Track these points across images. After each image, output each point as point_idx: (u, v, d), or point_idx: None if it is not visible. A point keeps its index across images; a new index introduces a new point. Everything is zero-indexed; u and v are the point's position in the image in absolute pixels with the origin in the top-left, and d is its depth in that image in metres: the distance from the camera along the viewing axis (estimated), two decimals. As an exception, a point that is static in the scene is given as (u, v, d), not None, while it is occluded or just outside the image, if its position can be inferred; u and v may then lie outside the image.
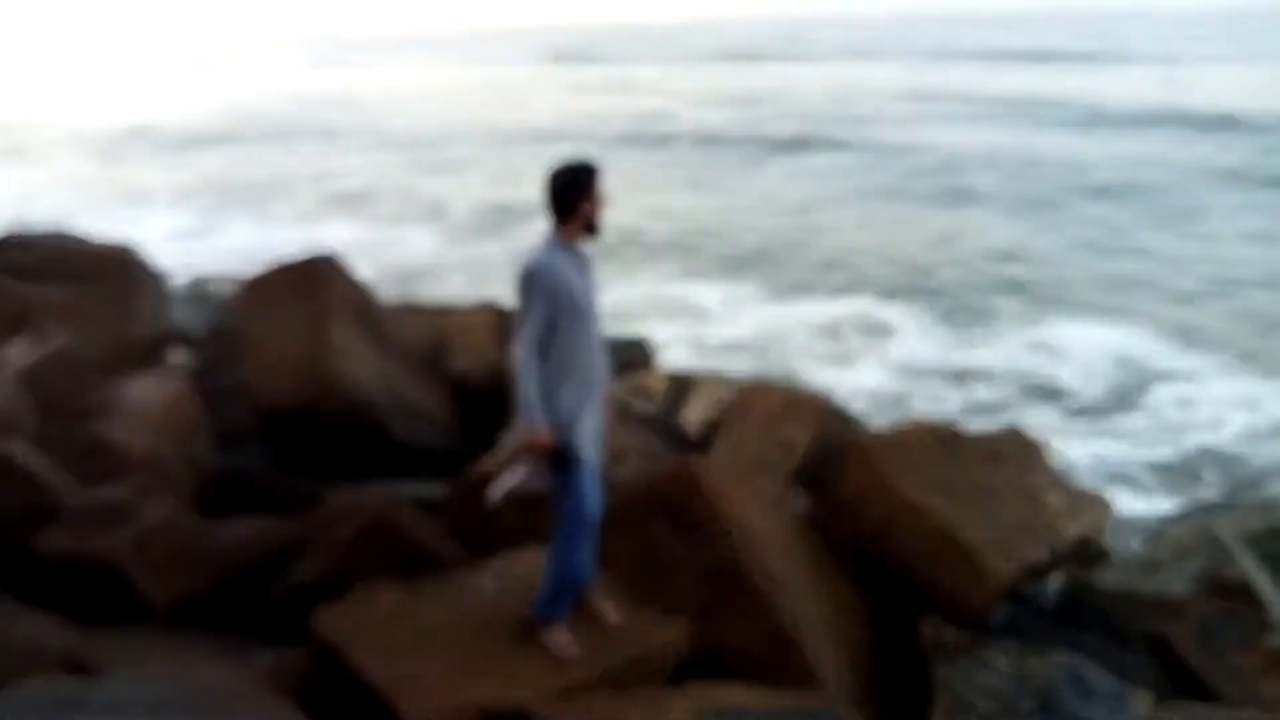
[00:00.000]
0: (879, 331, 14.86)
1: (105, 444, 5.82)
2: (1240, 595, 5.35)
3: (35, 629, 4.19)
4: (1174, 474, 10.20)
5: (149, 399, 6.63)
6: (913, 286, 16.97)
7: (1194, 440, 10.90)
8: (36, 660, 3.92)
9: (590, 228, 4.15)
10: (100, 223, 21.86)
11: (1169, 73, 52.52)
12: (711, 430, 7.22)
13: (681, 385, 8.79)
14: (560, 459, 4.09)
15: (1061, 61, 62.68)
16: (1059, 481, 5.51)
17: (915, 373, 13.20)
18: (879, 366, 13.39)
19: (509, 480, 4.25)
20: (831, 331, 14.89)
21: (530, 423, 4.00)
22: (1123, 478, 10.03)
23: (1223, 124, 32.61)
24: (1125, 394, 12.23)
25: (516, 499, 4.40)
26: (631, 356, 10.25)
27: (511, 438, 4.19)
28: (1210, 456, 10.52)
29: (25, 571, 4.76)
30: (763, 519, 5.06)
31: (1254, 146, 28.69)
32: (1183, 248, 19.14)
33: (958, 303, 16.08)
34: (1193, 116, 34.36)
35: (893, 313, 15.54)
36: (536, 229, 4.19)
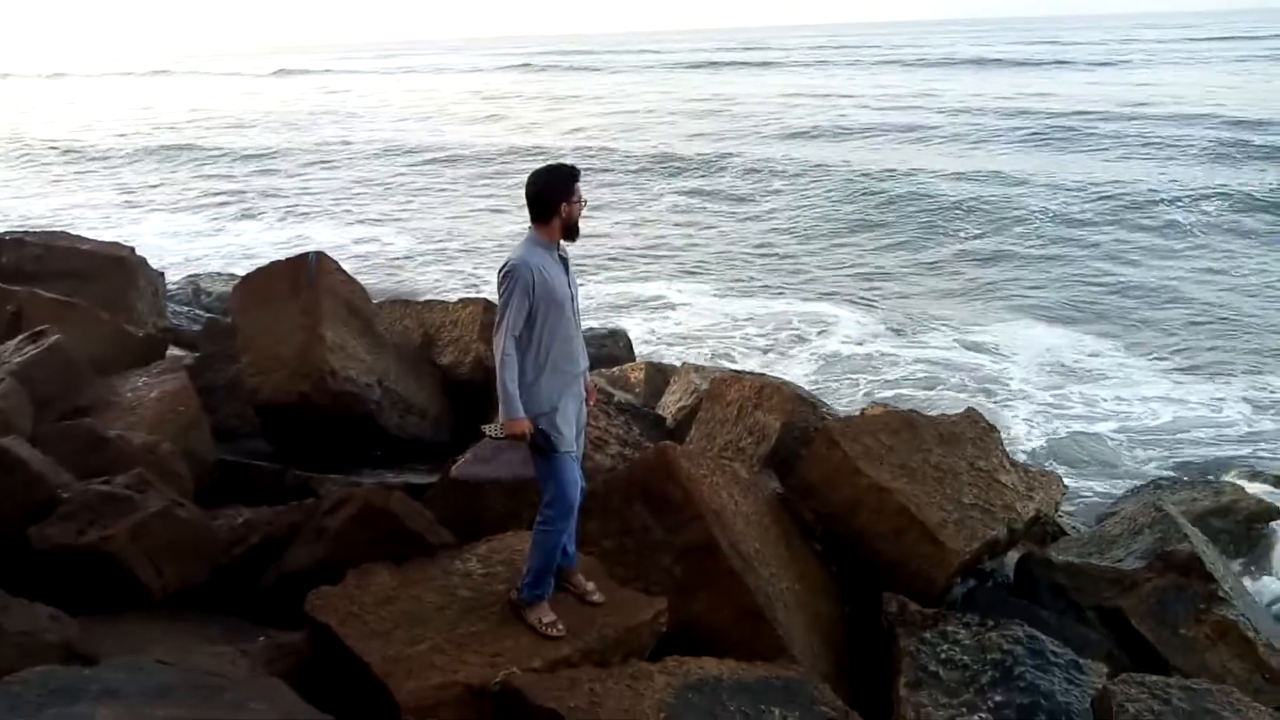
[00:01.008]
0: (821, 326, 15.25)
1: (102, 438, 5.82)
2: (1190, 570, 5.54)
3: (32, 620, 4.18)
4: (1104, 459, 10.50)
5: (146, 394, 6.70)
6: (862, 291, 17.39)
7: (1116, 428, 11.22)
8: (34, 651, 3.93)
9: (569, 230, 4.34)
10: (95, 225, 22.15)
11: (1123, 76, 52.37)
12: (688, 417, 7.42)
13: (660, 375, 9.00)
14: (540, 446, 4.29)
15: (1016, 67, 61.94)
16: (1014, 462, 5.72)
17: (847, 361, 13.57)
18: (813, 359, 13.75)
19: (474, 463, 4.42)
20: (778, 326, 15.29)
21: (510, 413, 4.18)
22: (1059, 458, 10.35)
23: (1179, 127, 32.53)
24: (1061, 386, 12.50)
25: (499, 485, 4.58)
26: (612, 348, 10.48)
27: (492, 428, 4.36)
28: (1137, 442, 10.84)
29: (22, 564, 4.76)
30: (736, 501, 5.25)
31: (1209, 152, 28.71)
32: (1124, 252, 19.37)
33: (902, 305, 16.46)
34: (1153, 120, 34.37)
35: (839, 312, 15.97)
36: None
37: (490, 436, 4.34)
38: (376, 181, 30.58)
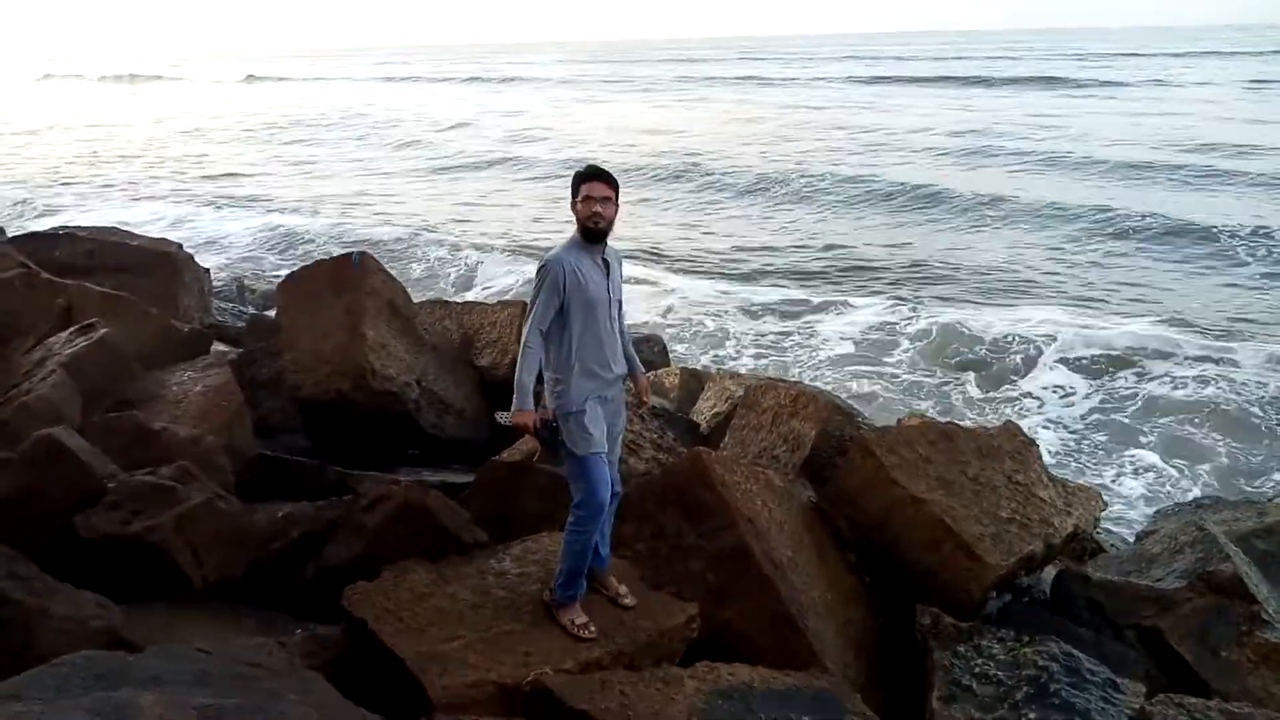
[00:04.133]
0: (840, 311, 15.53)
1: (148, 431, 5.92)
2: (1232, 591, 5.42)
3: (77, 606, 4.27)
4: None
5: (191, 388, 6.80)
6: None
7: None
8: (78, 636, 4.01)
9: (583, 231, 4.30)
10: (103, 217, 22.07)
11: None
12: (722, 424, 7.39)
13: (694, 380, 9.00)
14: (550, 442, 4.31)
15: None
16: (1053, 476, 5.65)
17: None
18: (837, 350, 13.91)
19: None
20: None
21: (519, 404, 4.20)
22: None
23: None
24: (1102, 395, 12.36)
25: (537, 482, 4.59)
26: (647, 353, 10.49)
27: (504, 416, 4.40)
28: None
29: (69, 552, 4.86)
30: (770, 508, 5.23)
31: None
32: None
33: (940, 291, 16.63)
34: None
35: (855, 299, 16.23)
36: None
37: (501, 424, 4.37)
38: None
